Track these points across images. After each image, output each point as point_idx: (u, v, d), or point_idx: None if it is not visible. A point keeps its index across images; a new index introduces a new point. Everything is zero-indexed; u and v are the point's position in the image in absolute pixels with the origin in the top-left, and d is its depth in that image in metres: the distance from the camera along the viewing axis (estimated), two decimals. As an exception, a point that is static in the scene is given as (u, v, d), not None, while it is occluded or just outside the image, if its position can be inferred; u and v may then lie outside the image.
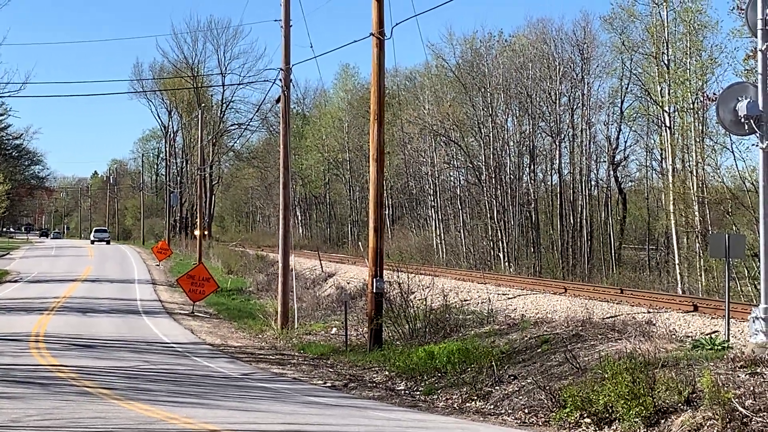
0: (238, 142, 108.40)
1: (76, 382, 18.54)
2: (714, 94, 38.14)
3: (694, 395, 14.19)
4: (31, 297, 44.89)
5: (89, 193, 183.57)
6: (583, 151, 61.69)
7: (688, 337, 19.49)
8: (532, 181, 63.76)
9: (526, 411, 16.68)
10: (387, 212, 75.56)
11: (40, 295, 45.55)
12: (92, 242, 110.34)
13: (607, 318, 23.32)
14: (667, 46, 48.75)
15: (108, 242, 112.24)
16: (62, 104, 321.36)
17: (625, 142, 63.99)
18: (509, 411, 17.05)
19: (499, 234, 59.43)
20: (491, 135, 62.26)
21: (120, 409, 14.58)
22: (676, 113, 48.84)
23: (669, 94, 48.90)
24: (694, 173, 46.63)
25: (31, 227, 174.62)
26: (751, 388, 13.90)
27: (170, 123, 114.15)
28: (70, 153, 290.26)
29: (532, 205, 62.20)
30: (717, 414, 13.24)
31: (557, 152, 62.44)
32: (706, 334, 19.31)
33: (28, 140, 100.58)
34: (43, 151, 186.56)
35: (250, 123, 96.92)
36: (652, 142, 59.06)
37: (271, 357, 27.36)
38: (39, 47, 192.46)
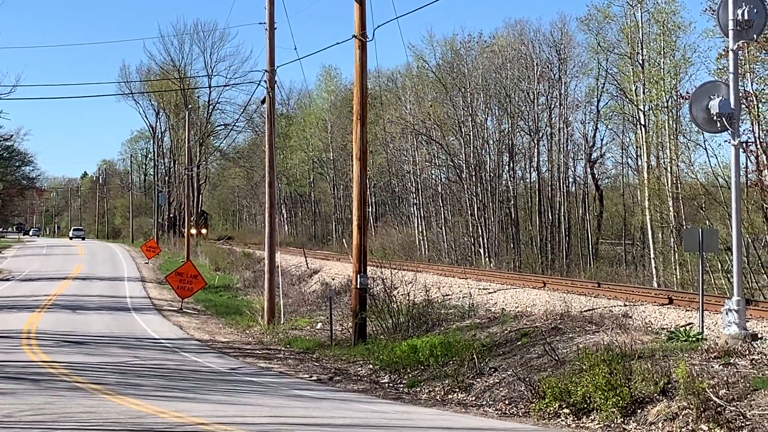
0: (224, 142, 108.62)
1: (67, 377, 18.66)
2: (687, 92, 38.71)
3: (669, 386, 14.47)
4: (22, 295, 45.08)
5: (79, 193, 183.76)
6: (561, 149, 62.16)
7: (664, 329, 19.63)
8: (512, 179, 64.11)
9: (507, 402, 16.92)
10: (370, 210, 75.75)
11: (32, 293, 45.72)
12: (71, 238, 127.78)
13: (584, 311, 23.44)
14: (642, 46, 49.19)
15: (83, 238, 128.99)
16: (52, 106, 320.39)
17: (602, 140, 64.62)
18: (490, 402, 17.31)
19: (480, 230, 59.72)
20: (471, 134, 62.56)
21: (110, 404, 14.64)
22: (651, 112, 49.27)
23: (644, 93, 49.33)
24: (669, 170, 47.08)
25: (23, 227, 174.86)
26: (725, 378, 14.20)
27: (158, 124, 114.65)
28: (60, 154, 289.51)
29: (512, 202, 62.51)
30: (692, 403, 13.50)
31: (535, 150, 62.84)
32: (681, 326, 19.50)
33: (18, 142, 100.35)
34: (34, 152, 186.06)
35: (236, 124, 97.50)
36: (628, 139, 59.62)
37: (257, 352, 27.63)
38: (29, 51, 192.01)
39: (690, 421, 13.43)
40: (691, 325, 19.63)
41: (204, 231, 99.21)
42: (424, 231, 68.20)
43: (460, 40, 67.78)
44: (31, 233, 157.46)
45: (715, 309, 20.56)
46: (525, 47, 62.89)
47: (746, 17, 17.43)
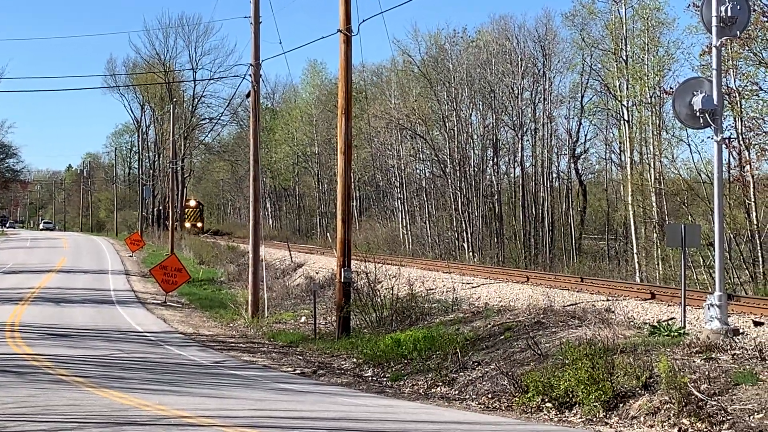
0: (209, 136, 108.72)
1: (51, 370, 18.63)
2: (671, 88, 38.81)
3: (651, 380, 14.52)
4: (6, 287, 44.94)
5: (63, 186, 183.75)
6: (545, 144, 62.36)
7: (646, 323, 19.66)
8: (496, 174, 64.28)
9: (490, 396, 16.95)
10: (355, 204, 75.82)
11: (16, 286, 45.68)
12: (42, 229, 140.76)
13: (567, 306, 23.59)
14: (626, 42, 49.36)
15: (52, 230, 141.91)
16: (37, 99, 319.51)
17: (585, 135, 64.88)
18: (473, 396, 17.35)
19: (464, 225, 59.91)
20: (456, 129, 62.72)
21: (94, 397, 14.57)
22: (634, 107, 49.48)
23: (627, 89, 49.51)
24: (652, 165, 47.31)
25: (6, 219, 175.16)
26: (706, 373, 14.25)
27: (143, 117, 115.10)
28: (45, 147, 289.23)
29: (496, 197, 62.70)
30: (673, 398, 13.55)
31: (519, 145, 62.99)
32: (663, 321, 19.52)
33: (3, 134, 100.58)
34: (18, 145, 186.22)
35: (221, 117, 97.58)
36: (611, 135, 59.93)
37: (241, 345, 27.67)
38: (13, 43, 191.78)
39: (672, 415, 13.49)
40: (673, 320, 19.70)
41: (199, 224, 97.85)
42: (409, 225, 68.37)
43: (445, 35, 68.13)
44: (7, 225, 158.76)
45: (697, 304, 20.65)
46: (509, 42, 63.05)
47: (729, 14, 17.53)
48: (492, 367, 18.58)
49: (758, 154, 36.02)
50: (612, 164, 63.36)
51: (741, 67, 35.43)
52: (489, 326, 22.60)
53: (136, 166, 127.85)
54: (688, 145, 42.64)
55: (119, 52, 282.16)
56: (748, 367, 14.48)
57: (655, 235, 44.98)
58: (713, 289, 17.80)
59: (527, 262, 53.47)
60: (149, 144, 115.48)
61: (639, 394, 14.48)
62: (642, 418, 13.89)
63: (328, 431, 11.90)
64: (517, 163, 64.49)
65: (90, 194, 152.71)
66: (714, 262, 18.35)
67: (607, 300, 24.32)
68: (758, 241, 34.79)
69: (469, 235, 59.31)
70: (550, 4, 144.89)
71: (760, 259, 34.56)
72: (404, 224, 69.05)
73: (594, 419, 14.37)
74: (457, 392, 18.09)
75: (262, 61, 35.29)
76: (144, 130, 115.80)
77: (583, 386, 14.82)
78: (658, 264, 43.45)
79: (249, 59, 35.52)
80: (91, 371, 19.00)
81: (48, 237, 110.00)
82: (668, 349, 15.96)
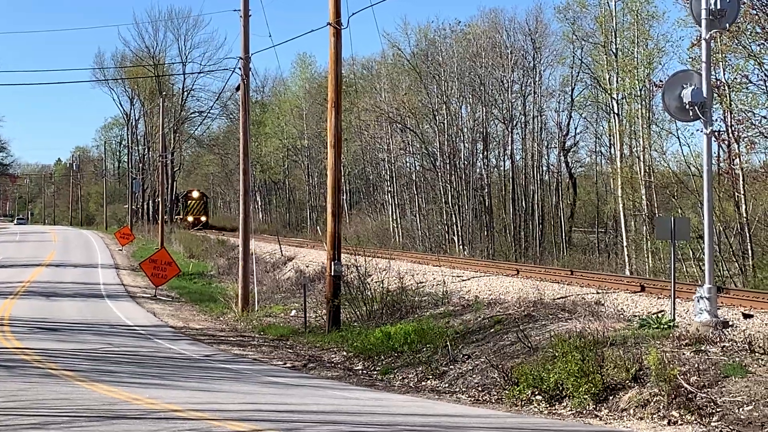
0: (198, 129, 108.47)
1: (41, 364, 18.57)
2: (660, 81, 38.86)
3: (641, 372, 14.54)
4: (-5, 282, 44.86)
5: (53, 180, 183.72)
6: (535, 138, 62.39)
7: (636, 316, 19.73)
8: (486, 167, 64.23)
9: (480, 389, 16.99)
10: (345, 197, 75.84)
11: (5, 280, 45.56)
12: (16, 224, 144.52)
13: (557, 299, 23.58)
14: (615, 35, 49.42)
15: (24, 224, 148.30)
16: (26, 93, 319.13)
17: (576, 128, 65.00)
18: (463, 389, 17.37)
19: (454, 218, 59.90)
20: (446, 122, 62.68)
21: (84, 391, 14.52)
22: (624, 100, 49.53)
23: (617, 82, 49.58)
24: (641, 158, 47.38)
25: None
26: (696, 365, 14.28)
27: (132, 111, 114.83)
28: (34, 140, 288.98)
29: (486, 190, 62.63)
30: (663, 390, 13.60)
31: (510, 138, 62.99)
32: (653, 314, 19.51)
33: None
34: (7, 139, 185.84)
35: (211, 111, 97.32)
36: (601, 128, 59.99)
37: (231, 339, 27.65)
38: (1, 37, 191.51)
39: (661, 407, 13.53)
40: (662, 313, 19.67)
41: (204, 218, 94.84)
42: (399, 219, 68.39)
43: (435, 28, 68.13)
44: None
45: (687, 297, 20.69)
46: (499, 35, 63.06)
47: (719, 7, 17.53)
48: (482, 360, 18.61)
49: (747, 146, 36.13)
50: (602, 157, 63.54)
51: (730, 60, 35.48)
52: (479, 319, 22.63)
53: (126, 160, 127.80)
54: (678, 137, 42.83)
55: (108, 46, 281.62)
56: (737, 359, 14.51)
57: (644, 227, 45.06)
58: (703, 282, 17.84)
59: (517, 255, 53.49)
60: (139, 137, 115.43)
61: (629, 387, 14.50)
62: (632, 411, 13.91)
63: (319, 424, 11.85)
64: (507, 156, 64.58)
65: (79, 188, 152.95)
66: (703, 254, 18.37)
67: (597, 293, 24.33)
68: (748, 234, 34.84)
69: (459, 228, 59.32)
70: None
71: (750, 251, 34.62)
72: (394, 218, 69.07)
73: (584, 412, 14.38)
74: (447, 385, 18.10)
75: (252, 54, 35.32)
76: (133, 124, 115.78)
77: (573, 379, 14.84)
78: (647, 257, 43.52)
79: (239, 52, 35.49)
80: (81, 365, 18.98)
81: (37, 231, 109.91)
82: (658, 342, 15.96)
